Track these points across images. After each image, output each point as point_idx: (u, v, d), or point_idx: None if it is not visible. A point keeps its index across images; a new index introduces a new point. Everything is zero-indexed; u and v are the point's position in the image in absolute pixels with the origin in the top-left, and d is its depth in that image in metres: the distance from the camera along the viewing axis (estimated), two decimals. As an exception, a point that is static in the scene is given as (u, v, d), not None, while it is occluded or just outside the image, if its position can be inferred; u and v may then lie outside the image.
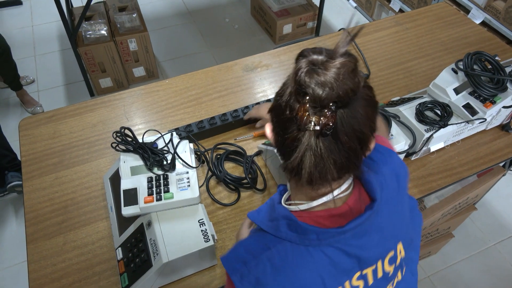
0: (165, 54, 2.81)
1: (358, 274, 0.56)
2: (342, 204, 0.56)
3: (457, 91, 1.11)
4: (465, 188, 1.29)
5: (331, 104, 0.45)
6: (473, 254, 1.85)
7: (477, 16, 2.16)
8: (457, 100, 1.09)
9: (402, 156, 1.07)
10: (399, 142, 1.00)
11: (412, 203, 0.68)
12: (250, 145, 1.17)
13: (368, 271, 0.57)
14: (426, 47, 1.55)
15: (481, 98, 1.09)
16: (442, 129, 1.06)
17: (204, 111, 1.27)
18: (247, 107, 1.21)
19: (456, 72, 1.14)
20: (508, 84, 1.11)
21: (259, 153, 1.13)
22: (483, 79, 1.09)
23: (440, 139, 1.11)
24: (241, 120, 1.18)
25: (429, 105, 1.09)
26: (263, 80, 1.39)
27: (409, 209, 0.65)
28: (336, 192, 0.55)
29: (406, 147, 1.02)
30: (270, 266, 0.53)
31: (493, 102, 1.08)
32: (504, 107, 1.11)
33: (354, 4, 3.28)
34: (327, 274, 0.53)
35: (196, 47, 2.87)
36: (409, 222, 0.64)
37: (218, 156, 1.07)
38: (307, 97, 0.45)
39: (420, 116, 1.07)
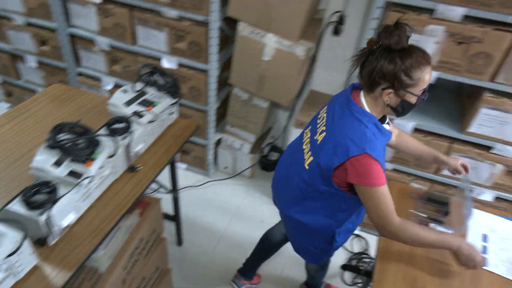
0: None
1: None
2: None
3: (59, 163, 1.15)
4: (131, 233, 1.38)
5: None
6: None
7: (108, 83, 2.42)
8: (61, 172, 1.13)
9: (30, 251, 1.00)
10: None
11: None
12: None
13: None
14: (49, 129, 1.57)
15: (82, 159, 1.18)
16: (56, 205, 1.07)
17: None
18: None
19: (53, 148, 1.18)
20: (102, 139, 1.26)
21: None
22: (78, 143, 1.19)
23: (66, 212, 1.12)
24: None
25: (34, 190, 1.08)
26: None
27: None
28: None
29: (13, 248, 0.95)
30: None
31: (93, 159, 1.19)
32: (109, 157, 1.25)
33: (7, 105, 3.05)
34: None
35: None
36: None
37: None
38: None
39: (28, 204, 1.04)
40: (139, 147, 1.44)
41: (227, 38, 2.20)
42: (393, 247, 1.29)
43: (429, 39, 1.56)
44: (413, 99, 1.09)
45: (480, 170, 1.83)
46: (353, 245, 2.26)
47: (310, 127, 1.32)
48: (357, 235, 2.31)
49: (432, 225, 1.40)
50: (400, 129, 1.43)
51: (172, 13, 1.95)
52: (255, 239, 1.82)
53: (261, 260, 1.89)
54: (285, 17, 1.81)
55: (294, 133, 2.12)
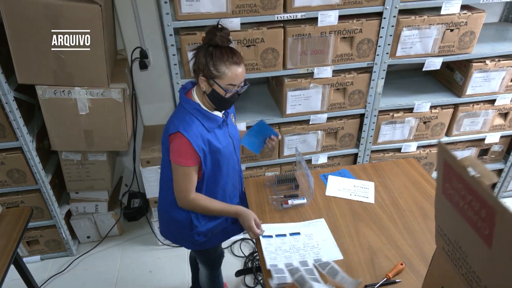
0: None
1: None
2: None
3: None
4: None
5: None
6: None
7: None
8: None
9: None
10: None
11: None
12: None
13: None
14: None
15: None
16: None
17: None
18: None
19: None
20: None
21: None
22: None
23: None
24: None
25: None
26: None
27: None
28: None
29: None
30: None
31: None
32: None
33: None
34: None
35: None
36: None
37: None
38: None
39: None
40: (-42, 268, 1.17)
41: (33, 105, 1.98)
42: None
43: (224, 50, 1.74)
44: (221, 91, 1.27)
45: (309, 140, 2.15)
46: (242, 250, 2.35)
47: None
48: (243, 239, 2.41)
49: (290, 201, 1.58)
50: None
51: None
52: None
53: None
54: (84, 67, 1.74)
55: (145, 173, 2.07)
